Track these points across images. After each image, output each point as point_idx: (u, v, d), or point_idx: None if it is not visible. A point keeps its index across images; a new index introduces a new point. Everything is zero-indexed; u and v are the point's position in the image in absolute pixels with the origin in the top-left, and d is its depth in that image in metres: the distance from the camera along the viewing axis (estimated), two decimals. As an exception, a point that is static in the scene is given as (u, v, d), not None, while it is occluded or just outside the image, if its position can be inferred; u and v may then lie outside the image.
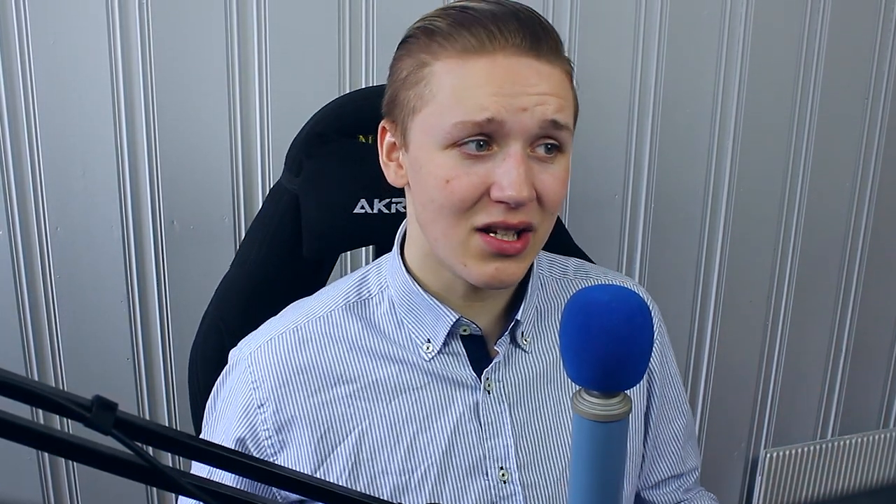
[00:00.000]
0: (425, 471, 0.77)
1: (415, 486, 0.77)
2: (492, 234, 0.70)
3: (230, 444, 0.78)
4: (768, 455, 1.86)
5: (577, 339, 0.48)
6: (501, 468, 0.78)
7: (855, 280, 1.85)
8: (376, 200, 0.96)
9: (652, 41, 1.54)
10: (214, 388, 0.83)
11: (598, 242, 1.61)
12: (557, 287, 0.87)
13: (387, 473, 0.77)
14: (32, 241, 1.33)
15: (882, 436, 1.96)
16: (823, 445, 1.91)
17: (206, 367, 0.91)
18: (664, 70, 1.55)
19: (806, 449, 1.89)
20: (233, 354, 0.83)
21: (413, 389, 0.78)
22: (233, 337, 0.85)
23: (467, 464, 0.78)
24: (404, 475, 0.77)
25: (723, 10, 1.56)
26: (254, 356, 0.79)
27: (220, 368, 0.84)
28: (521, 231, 0.71)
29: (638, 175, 1.60)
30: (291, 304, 0.85)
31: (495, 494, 0.78)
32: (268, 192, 1.40)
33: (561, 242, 1.08)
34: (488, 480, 0.78)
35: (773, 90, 1.64)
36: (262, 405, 0.77)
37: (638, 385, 0.84)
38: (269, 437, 0.78)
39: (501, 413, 0.79)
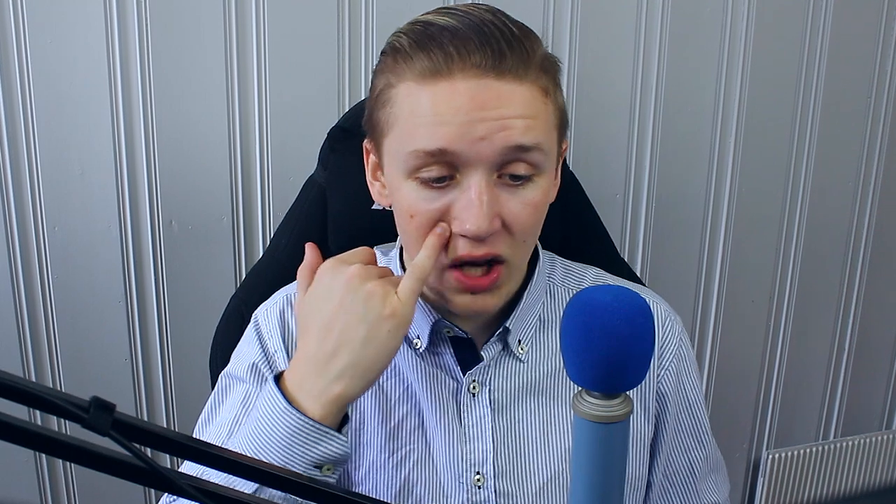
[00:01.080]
0: (403, 456, 0.78)
1: (392, 468, 0.78)
2: (462, 271, 0.70)
3: (244, 373, 0.80)
4: (770, 456, 1.86)
5: (578, 339, 0.48)
6: (477, 473, 0.77)
7: (858, 280, 1.84)
8: None
9: (653, 39, 1.53)
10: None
11: (599, 242, 1.60)
12: (568, 298, 0.84)
13: (370, 446, 0.78)
14: (30, 242, 1.32)
15: (885, 437, 1.96)
16: (826, 447, 1.90)
17: (226, 352, 0.92)
18: (665, 68, 1.55)
19: (808, 450, 1.89)
20: (252, 316, 0.85)
21: (407, 375, 0.79)
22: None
23: (444, 462, 0.78)
24: (384, 453, 0.78)
25: (724, 8, 1.55)
26: (268, 311, 0.83)
27: None
28: (491, 262, 0.70)
29: (639, 174, 1.59)
30: None
31: (467, 499, 0.77)
32: (265, 191, 1.40)
33: (604, 253, 1.07)
34: (462, 484, 0.77)
35: (775, 89, 1.63)
36: (275, 352, 0.80)
37: (643, 412, 0.82)
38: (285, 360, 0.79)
39: (483, 417, 0.78)
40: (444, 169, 0.67)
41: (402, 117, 0.68)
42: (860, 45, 1.68)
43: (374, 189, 0.78)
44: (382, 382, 0.79)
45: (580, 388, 0.49)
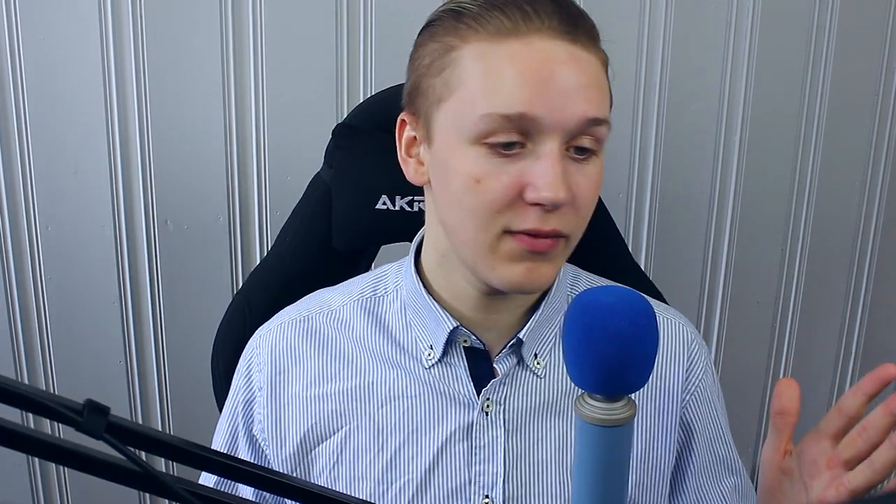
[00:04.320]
0: (404, 485, 0.74)
1: (391, 499, 0.74)
2: (526, 234, 0.66)
3: (229, 417, 0.80)
4: (776, 460, 1.83)
5: (580, 341, 0.48)
6: (486, 497, 0.74)
7: (865, 280, 1.83)
8: (398, 197, 0.94)
9: (657, 36, 1.52)
10: None
11: (602, 242, 1.59)
12: None
13: (365, 479, 0.75)
14: (23, 241, 1.32)
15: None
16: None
17: (226, 350, 0.91)
18: (669, 66, 1.54)
19: (814, 453, 1.86)
20: (253, 335, 0.83)
21: (406, 398, 0.75)
22: (256, 323, 0.85)
23: (449, 486, 0.74)
24: (382, 485, 0.74)
25: (729, 4, 1.55)
26: (262, 339, 0.80)
27: (241, 352, 0.85)
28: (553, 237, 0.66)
29: (643, 174, 1.58)
30: (312, 293, 0.83)
31: None
32: (262, 191, 1.39)
33: (619, 261, 1.05)
34: None
35: (780, 86, 1.62)
36: (261, 388, 0.78)
37: (666, 440, 0.78)
38: (261, 421, 0.77)
39: (496, 438, 0.74)
40: (516, 135, 0.63)
41: (470, 79, 0.64)
42: (867, 42, 1.67)
43: (409, 166, 0.73)
44: (374, 412, 0.75)
45: (582, 391, 0.48)
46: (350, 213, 0.96)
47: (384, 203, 0.94)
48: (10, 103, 1.26)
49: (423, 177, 0.72)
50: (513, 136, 0.63)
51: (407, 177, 0.73)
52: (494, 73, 0.63)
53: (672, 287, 1.66)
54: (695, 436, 0.80)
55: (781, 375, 1.83)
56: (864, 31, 1.65)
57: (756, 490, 0.71)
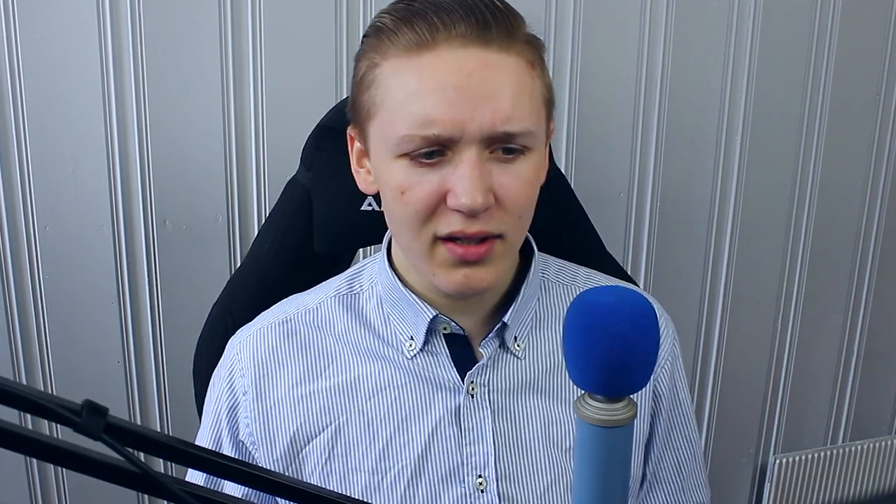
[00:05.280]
0: (398, 472, 0.76)
1: (387, 487, 0.76)
2: (454, 241, 0.69)
3: (211, 425, 0.81)
4: (777, 461, 1.84)
5: (581, 341, 0.47)
6: (479, 476, 0.76)
7: (867, 280, 1.83)
8: None
9: (658, 35, 1.52)
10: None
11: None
12: (563, 294, 0.84)
13: (360, 471, 0.77)
14: (21, 241, 1.31)
15: (894, 441, 1.94)
16: (834, 451, 1.89)
17: (210, 358, 0.92)
18: (671, 64, 1.54)
19: (816, 455, 1.88)
20: (229, 341, 0.84)
21: (393, 388, 0.77)
22: (238, 329, 0.85)
23: (443, 469, 0.76)
24: (377, 475, 0.76)
25: (730, 3, 1.55)
26: (242, 345, 0.81)
27: None
28: (483, 239, 0.69)
29: (644, 173, 1.58)
30: (286, 298, 0.85)
31: (470, 503, 0.76)
32: (261, 190, 1.38)
33: (590, 247, 1.06)
34: (464, 488, 0.76)
35: (782, 85, 1.62)
36: (245, 392, 0.79)
37: (640, 412, 0.82)
38: (248, 425, 0.78)
39: (483, 419, 0.77)
40: (436, 146, 0.66)
41: (389, 96, 0.67)
42: (869, 42, 1.67)
43: (360, 177, 0.77)
44: (362, 406, 0.77)
45: (583, 392, 0.48)
46: (334, 215, 0.96)
47: (369, 204, 0.94)
48: (9, 103, 1.25)
49: (373, 187, 0.75)
50: (433, 147, 0.65)
51: (360, 187, 0.77)
52: (407, 91, 0.66)
53: (673, 287, 1.66)
54: (662, 405, 0.85)
55: (783, 376, 1.83)
56: (865, 31, 1.65)
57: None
